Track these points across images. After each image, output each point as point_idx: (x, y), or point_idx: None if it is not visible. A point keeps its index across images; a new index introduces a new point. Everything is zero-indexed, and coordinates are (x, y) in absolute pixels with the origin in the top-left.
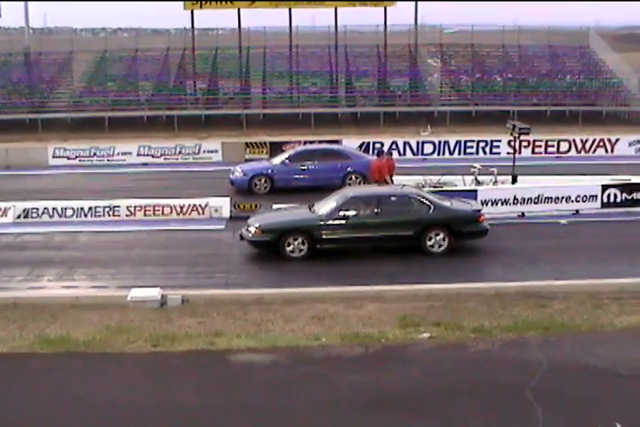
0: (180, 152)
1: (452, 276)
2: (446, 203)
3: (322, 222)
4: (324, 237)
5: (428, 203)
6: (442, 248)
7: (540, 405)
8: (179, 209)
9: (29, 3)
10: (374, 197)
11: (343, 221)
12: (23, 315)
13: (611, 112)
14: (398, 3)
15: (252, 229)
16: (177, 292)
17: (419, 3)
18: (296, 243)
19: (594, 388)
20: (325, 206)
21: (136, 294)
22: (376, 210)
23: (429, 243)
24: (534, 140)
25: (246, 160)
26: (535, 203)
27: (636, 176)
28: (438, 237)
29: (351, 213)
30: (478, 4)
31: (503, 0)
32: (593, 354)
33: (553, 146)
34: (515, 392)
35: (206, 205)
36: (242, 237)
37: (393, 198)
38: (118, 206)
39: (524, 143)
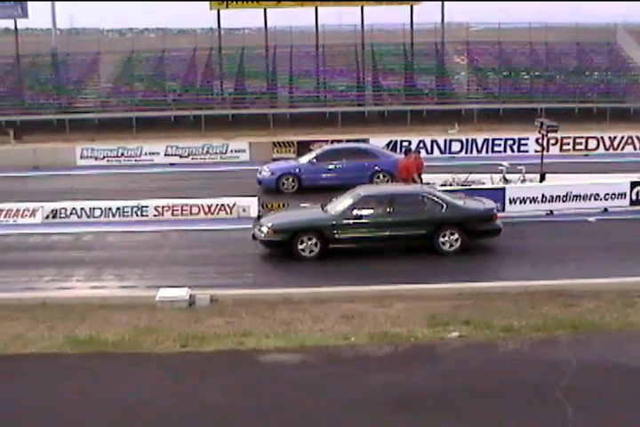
0: (207, 152)
1: (478, 275)
2: (459, 202)
3: (334, 222)
4: (336, 236)
5: (440, 202)
6: (455, 247)
7: (570, 404)
8: (207, 209)
9: (56, 3)
10: (387, 196)
11: (356, 221)
12: (52, 315)
13: (639, 109)
14: (424, 2)
15: (265, 229)
16: (205, 291)
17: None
18: (308, 243)
19: (624, 387)
20: (338, 206)
21: (164, 293)
22: (388, 209)
23: (442, 242)
24: (562, 138)
25: (274, 159)
26: (563, 201)
27: None
28: (451, 236)
29: (364, 212)
30: (505, 2)
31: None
32: (623, 353)
33: (581, 143)
34: (544, 392)
35: (234, 205)
36: (254, 237)
37: (405, 197)
38: (146, 206)
39: (552, 141)
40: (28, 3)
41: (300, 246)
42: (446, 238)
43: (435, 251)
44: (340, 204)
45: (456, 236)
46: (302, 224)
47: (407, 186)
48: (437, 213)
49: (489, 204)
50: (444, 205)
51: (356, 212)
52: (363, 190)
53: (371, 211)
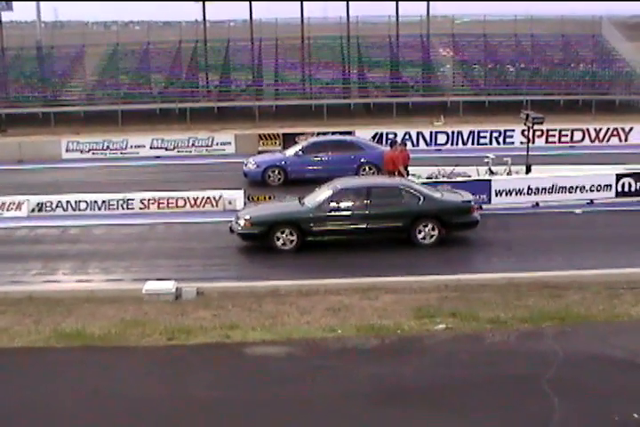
0: (193, 144)
1: (464, 267)
2: (436, 194)
3: (311, 215)
4: (313, 229)
5: (417, 194)
6: (432, 240)
7: (556, 396)
8: (192, 201)
9: None
10: (364, 188)
11: (333, 213)
12: (38, 309)
13: (624, 101)
14: None
15: (242, 222)
16: (191, 284)
17: None
18: (285, 235)
19: (610, 378)
20: (315, 198)
21: (151, 286)
22: (365, 202)
23: (419, 234)
24: (548, 130)
25: (259, 152)
26: (549, 193)
27: None
28: (428, 229)
29: (341, 204)
30: None
31: None
32: (609, 344)
33: (566, 135)
34: (531, 383)
35: (220, 198)
36: (231, 230)
37: (382, 190)
38: (132, 199)
39: (538, 133)
40: None
41: (278, 239)
42: (423, 232)
43: (412, 243)
44: (318, 196)
45: (433, 227)
46: (279, 217)
47: (384, 178)
48: (414, 205)
49: (467, 196)
50: (421, 198)
51: (333, 204)
52: (340, 183)
53: (348, 203)
